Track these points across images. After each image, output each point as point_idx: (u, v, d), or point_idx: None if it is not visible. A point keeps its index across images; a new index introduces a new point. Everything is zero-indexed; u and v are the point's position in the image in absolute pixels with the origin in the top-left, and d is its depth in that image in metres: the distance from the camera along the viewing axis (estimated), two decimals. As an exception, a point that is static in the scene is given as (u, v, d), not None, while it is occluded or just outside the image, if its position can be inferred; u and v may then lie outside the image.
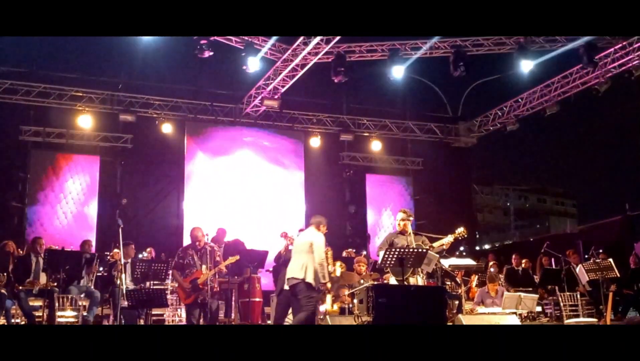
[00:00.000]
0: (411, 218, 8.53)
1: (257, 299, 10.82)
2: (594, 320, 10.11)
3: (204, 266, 8.42)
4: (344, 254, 12.45)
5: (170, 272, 11.02)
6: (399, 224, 8.51)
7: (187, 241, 13.94)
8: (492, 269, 11.77)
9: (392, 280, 8.12)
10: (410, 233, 8.38)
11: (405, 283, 7.57)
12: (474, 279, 11.48)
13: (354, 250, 12.79)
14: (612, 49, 12.99)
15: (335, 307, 9.20)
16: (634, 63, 12.85)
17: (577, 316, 10.44)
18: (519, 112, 15.62)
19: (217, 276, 8.74)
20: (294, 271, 7.86)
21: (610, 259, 9.70)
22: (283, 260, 9.33)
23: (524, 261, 12.93)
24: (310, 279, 7.77)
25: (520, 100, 15.55)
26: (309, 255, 7.89)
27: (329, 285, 8.48)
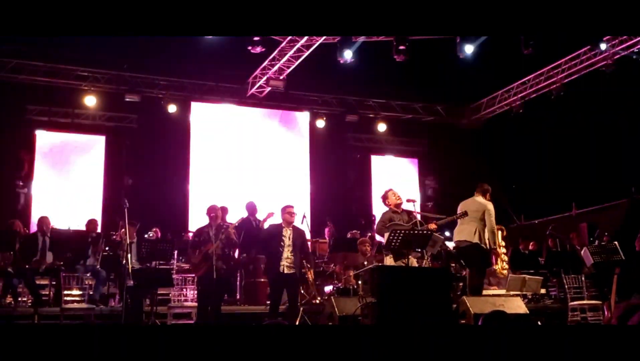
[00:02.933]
0: (405, 200, 8.58)
1: (262, 280, 10.85)
2: (598, 302, 10.14)
3: (215, 242, 8.46)
4: (349, 235, 12.47)
5: (175, 252, 11.11)
6: (390, 203, 8.51)
7: (192, 220, 14.03)
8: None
9: (390, 261, 8.12)
10: (402, 211, 8.46)
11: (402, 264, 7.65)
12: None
13: (359, 231, 12.81)
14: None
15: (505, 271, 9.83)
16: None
17: (582, 298, 10.46)
18: (526, 94, 15.55)
19: (230, 252, 8.83)
20: (466, 235, 8.47)
21: (616, 242, 9.69)
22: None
23: (531, 243, 12.98)
24: (481, 243, 8.44)
25: (526, 82, 15.48)
26: (481, 222, 8.48)
27: (499, 250, 9.39)
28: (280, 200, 14.37)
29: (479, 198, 8.95)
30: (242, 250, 10.94)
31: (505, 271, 9.71)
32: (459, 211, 8.77)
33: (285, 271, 8.62)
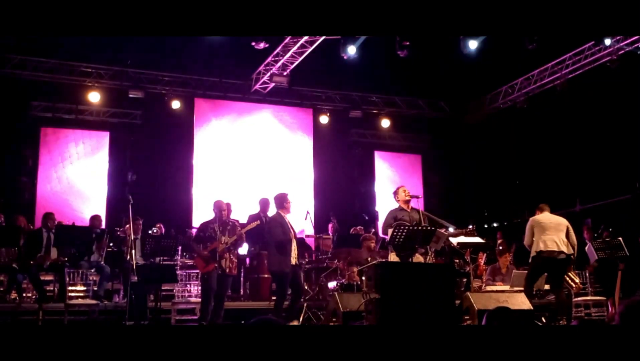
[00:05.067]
0: (410, 196, 8.67)
1: (265, 275, 10.87)
2: (603, 298, 10.13)
3: (223, 238, 8.47)
4: (352, 231, 12.47)
5: (179, 248, 11.13)
6: (399, 199, 8.61)
7: (196, 216, 14.03)
8: (500, 248, 11.76)
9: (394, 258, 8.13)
10: (411, 209, 8.52)
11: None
12: (483, 257, 11.49)
13: (362, 227, 12.80)
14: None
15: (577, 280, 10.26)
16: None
17: (586, 294, 10.45)
18: (530, 90, 15.49)
19: (236, 251, 8.80)
20: (565, 247, 8.91)
21: (620, 238, 9.67)
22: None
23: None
24: (572, 255, 9.02)
25: (530, 78, 15.42)
26: (565, 237, 8.98)
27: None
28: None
29: (550, 214, 9.35)
30: (250, 245, 10.99)
31: (577, 280, 10.28)
32: (544, 221, 9.17)
33: (295, 263, 8.64)
